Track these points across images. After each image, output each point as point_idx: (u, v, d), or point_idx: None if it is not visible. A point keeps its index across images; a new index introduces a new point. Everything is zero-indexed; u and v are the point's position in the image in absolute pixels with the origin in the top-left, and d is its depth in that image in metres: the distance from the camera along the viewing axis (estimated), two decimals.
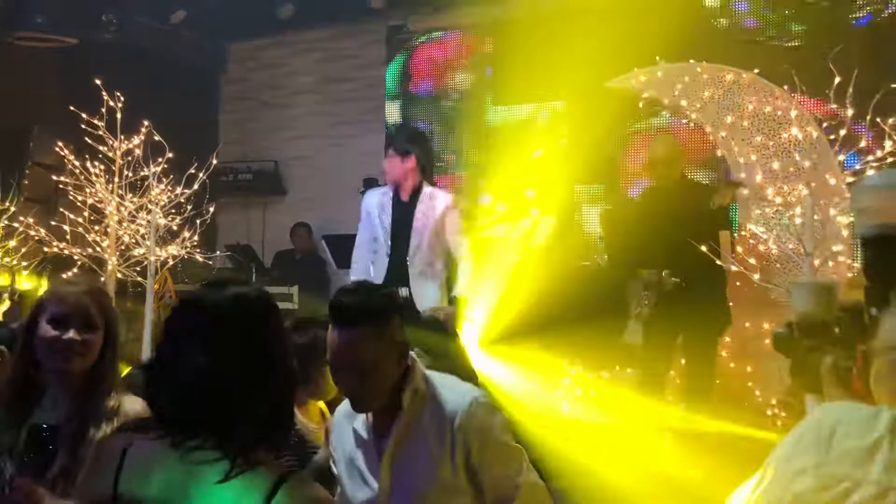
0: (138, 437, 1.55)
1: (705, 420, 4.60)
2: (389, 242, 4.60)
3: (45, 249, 5.38)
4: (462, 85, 7.83)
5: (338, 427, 2.24)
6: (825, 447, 1.25)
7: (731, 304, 5.03)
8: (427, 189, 4.61)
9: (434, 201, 4.53)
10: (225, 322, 1.57)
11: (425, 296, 4.54)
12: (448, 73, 7.91)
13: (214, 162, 5.66)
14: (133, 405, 2.14)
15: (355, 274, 4.78)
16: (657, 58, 5.21)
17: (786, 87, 4.59)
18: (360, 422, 2.14)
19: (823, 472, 1.24)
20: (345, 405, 2.22)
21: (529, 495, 2.03)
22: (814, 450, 1.26)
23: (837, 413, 1.29)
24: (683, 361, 4.75)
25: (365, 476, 2.11)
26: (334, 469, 2.27)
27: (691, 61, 5.10)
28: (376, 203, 4.70)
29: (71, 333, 2.09)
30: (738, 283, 4.89)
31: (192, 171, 5.45)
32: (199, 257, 5.57)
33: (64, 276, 5.34)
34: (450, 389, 2.10)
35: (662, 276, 4.68)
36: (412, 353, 2.13)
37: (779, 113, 4.72)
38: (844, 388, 1.51)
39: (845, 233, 4.35)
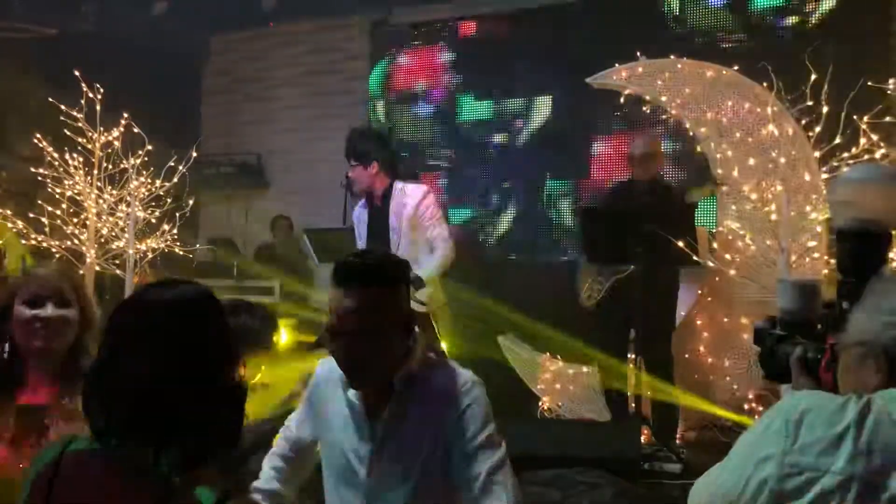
0: (70, 451, 1.45)
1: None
2: (366, 244, 4.60)
3: (24, 242, 5.34)
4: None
5: (325, 387, 2.11)
6: (793, 436, 1.26)
7: (709, 299, 5.07)
8: (398, 185, 4.56)
9: (405, 197, 4.49)
10: (163, 324, 1.46)
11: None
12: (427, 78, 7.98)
13: (194, 155, 5.63)
14: None
15: None
16: (637, 53, 5.22)
17: (765, 84, 4.61)
18: (356, 392, 2.02)
19: (789, 460, 1.25)
20: (332, 366, 2.05)
21: (491, 485, 1.90)
22: (781, 438, 1.27)
23: (807, 402, 1.30)
24: (635, 356, 4.75)
25: (348, 456, 2.03)
26: (305, 434, 2.19)
27: (672, 56, 5.12)
28: (357, 215, 4.74)
29: (48, 311, 2.11)
30: (716, 279, 4.93)
31: (172, 164, 5.43)
32: (178, 250, 5.55)
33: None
34: (449, 372, 2.02)
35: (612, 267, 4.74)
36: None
37: (758, 109, 4.74)
38: (813, 378, 1.52)
39: (819, 229, 4.38)
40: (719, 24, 6.76)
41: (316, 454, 2.22)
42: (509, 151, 7.62)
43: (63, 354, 2.14)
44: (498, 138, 7.72)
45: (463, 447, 1.94)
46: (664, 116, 5.35)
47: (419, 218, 4.45)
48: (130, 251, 5.28)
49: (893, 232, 1.61)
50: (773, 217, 4.21)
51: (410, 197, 4.49)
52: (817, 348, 1.54)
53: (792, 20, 6.45)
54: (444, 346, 5.33)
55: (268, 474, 2.23)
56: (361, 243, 4.69)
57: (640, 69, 5.15)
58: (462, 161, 7.86)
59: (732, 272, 4.46)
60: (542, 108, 7.54)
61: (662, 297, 4.70)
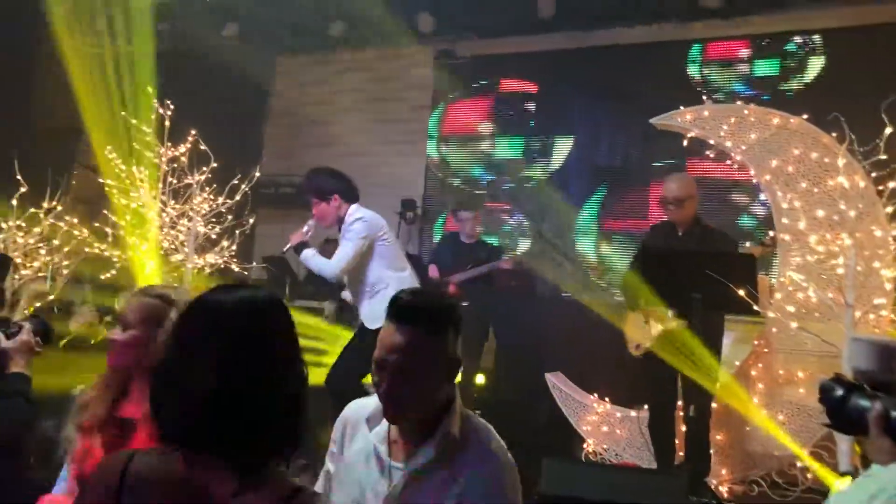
0: (139, 454, 1.46)
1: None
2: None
3: (86, 250, 5.47)
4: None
5: (353, 425, 2.11)
6: None
7: (765, 350, 4.95)
8: (348, 211, 4.69)
9: (349, 217, 4.63)
10: (232, 325, 1.46)
11: (374, 313, 4.50)
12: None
13: (258, 174, 5.74)
14: None
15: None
16: (703, 97, 5.19)
17: (834, 135, 4.53)
18: (379, 436, 2.03)
19: None
20: (361, 405, 2.10)
21: None
22: None
23: None
24: (684, 403, 4.65)
25: (365, 493, 2.01)
26: (329, 466, 2.17)
27: (738, 102, 5.06)
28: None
29: (114, 333, 2.26)
30: (773, 330, 4.82)
31: (235, 182, 5.54)
32: (235, 267, 5.64)
33: (102, 276, 5.47)
34: (485, 443, 1.99)
35: (666, 313, 4.63)
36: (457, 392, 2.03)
37: (825, 160, 4.65)
38: (892, 438, 1.44)
39: (888, 286, 4.26)
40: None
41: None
42: (565, 190, 7.62)
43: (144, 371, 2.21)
44: (555, 176, 7.74)
45: None
46: (728, 162, 5.26)
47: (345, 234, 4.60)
48: (189, 265, 5.38)
49: None
50: (840, 271, 4.10)
51: (350, 216, 4.65)
52: None
53: None
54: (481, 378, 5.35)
55: None
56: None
57: (706, 112, 5.10)
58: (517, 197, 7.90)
59: (794, 325, 4.35)
60: (603, 147, 7.56)
61: (710, 345, 4.59)
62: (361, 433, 2.07)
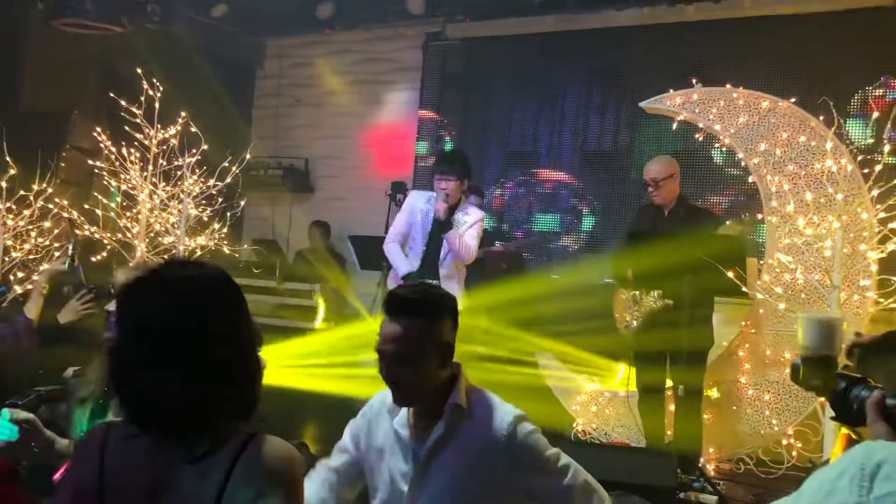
0: (114, 427, 1.57)
1: None
2: (424, 247, 5.02)
3: (77, 232, 5.44)
4: None
5: (375, 416, 2.28)
6: (867, 487, 1.25)
7: (752, 331, 5.02)
8: (463, 205, 5.05)
9: (466, 217, 4.99)
10: (182, 303, 1.51)
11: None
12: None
13: (248, 157, 5.73)
14: None
15: (390, 253, 5.20)
16: (693, 80, 5.22)
17: (821, 118, 4.58)
18: (401, 421, 2.20)
19: None
20: (384, 397, 2.27)
21: (583, 495, 2.12)
22: (855, 488, 1.26)
23: (883, 452, 1.29)
24: (672, 383, 4.72)
25: (394, 476, 2.17)
26: (347, 456, 2.31)
27: (728, 86, 5.10)
28: (421, 208, 5.08)
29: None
30: (760, 311, 4.89)
31: (226, 165, 5.52)
32: (226, 249, 5.64)
33: (93, 259, 5.45)
34: (492, 408, 2.16)
35: (652, 295, 4.68)
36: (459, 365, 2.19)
37: (813, 143, 4.71)
38: (891, 424, 1.48)
39: (874, 267, 4.33)
40: None
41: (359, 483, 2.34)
42: (556, 172, 7.65)
43: None
44: (545, 159, 7.75)
45: (546, 495, 2.12)
46: (717, 145, 5.31)
47: (468, 236, 4.95)
48: (181, 247, 5.37)
49: None
50: (827, 253, 4.16)
51: (471, 218, 5.00)
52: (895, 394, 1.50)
53: None
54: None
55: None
56: (411, 232, 5.08)
57: (696, 96, 5.14)
58: (511, 182, 7.91)
59: (782, 306, 4.41)
60: (594, 130, 7.57)
61: (700, 325, 4.65)
62: (383, 423, 2.25)
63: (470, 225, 4.95)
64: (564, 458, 2.14)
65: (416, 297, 2.14)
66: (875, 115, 4.14)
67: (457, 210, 4.98)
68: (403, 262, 5.08)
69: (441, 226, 4.95)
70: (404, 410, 2.21)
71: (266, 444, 1.50)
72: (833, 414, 1.62)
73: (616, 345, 5.18)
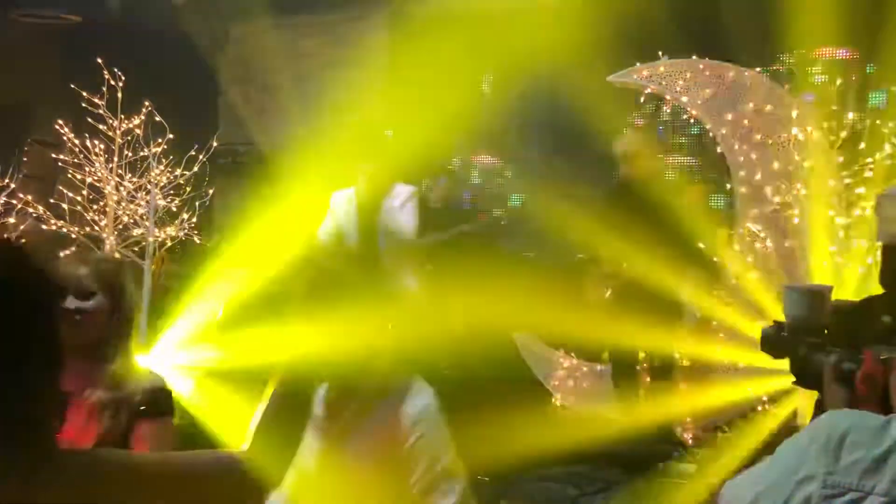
0: None
1: None
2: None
3: (43, 227, 5.37)
4: None
5: None
6: (834, 456, 1.27)
7: (725, 301, 5.07)
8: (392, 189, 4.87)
9: (394, 201, 4.87)
10: None
11: None
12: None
13: (215, 144, 5.67)
14: (144, 378, 2.21)
15: None
16: (659, 53, 5.22)
17: (787, 87, 4.61)
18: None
19: (831, 480, 1.26)
20: None
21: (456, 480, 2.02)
22: (822, 457, 1.28)
23: (848, 421, 1.31)
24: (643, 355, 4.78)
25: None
26: None
27: (694, 57, 5.11)
28: (346, 209, 4.99)
29: (66, 303, 2.09)
30: (733, 281, 4.94)
31: (193, 154, 5.46)
32: (197, 239, 5.58)
33: (62, 254, 5.38)
34: (403, 389, 2.05)
35: (622, 268, 4.72)
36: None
37: (779, 112, 4.74)
38: (847, 387, 1.53)
39: (841, 233, 4.38)
40: None
41: None
42: (526, 150, 7.64)
43: (90, 342, 2.13)
44: (514, 134, 7.73)
45: (420, 478, 1.98)
46: (685, 116, 5.33)
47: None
48: (150, 239, 5.31)
49: None
50: (796, 220, 4.21)
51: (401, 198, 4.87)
52: (853, 358, 1.55)
53: None
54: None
55: None
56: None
57: (662, 68, 5.15)
58: (479, 159, 7.89)
59: (753, 274, 4.46)
60: (555, 105, 7.55)
61: (670, 296, 4.69)
62: None
63: (402, 203, 4.81)
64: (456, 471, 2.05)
65: None
66: (838, 81, 4.17)
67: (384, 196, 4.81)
68: None
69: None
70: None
71: None
72: (794, 379, 1.67)
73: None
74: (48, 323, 1.22)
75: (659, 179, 4.93)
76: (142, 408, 2.13)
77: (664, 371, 4.64)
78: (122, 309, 2.19)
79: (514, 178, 7.75)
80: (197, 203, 5.55)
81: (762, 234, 4.48)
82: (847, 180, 4.28)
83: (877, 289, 1.98)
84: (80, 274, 2.14)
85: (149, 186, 5.39)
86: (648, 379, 4.83)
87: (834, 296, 1.82)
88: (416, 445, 1.99)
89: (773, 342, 1.71)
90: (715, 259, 4.19)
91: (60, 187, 5.43)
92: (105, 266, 2.24)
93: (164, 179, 5.41)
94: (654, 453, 4.22)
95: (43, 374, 1.21)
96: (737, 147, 4.84)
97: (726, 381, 5.05)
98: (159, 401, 2.19)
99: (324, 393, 1.98)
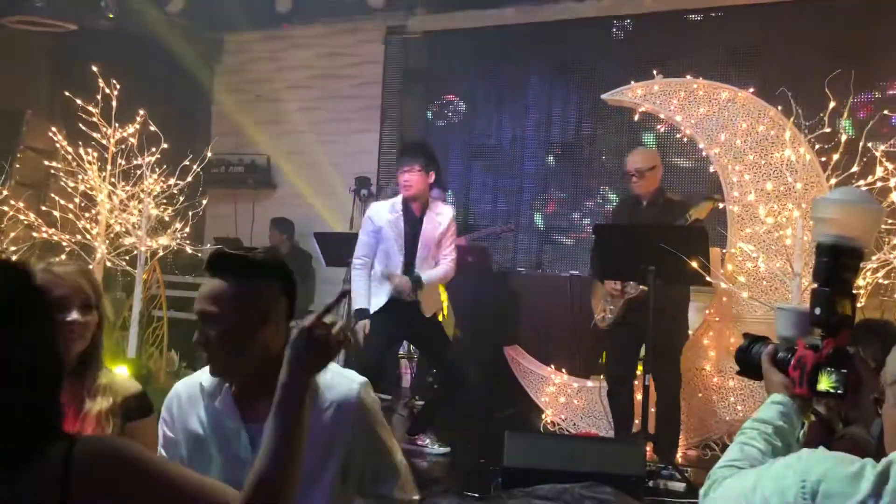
0: None
1: None
2: (403, 256, 4.79)
3: (35, 234, 5.34)
4: None
5: (186, 407, 2.02)
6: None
7: (716, 319, 5.09)
8: (432, 202, 4.87)
9: (440, 216, 4.82)
10: None
11: (430, 298, 4.89)
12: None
13: (209, 154, 5.65)
14: (126, 384, 2.21)
15: (353, 279, 4.94)
16: (654, 71, 5.26)
17: (780, 108, 4.64)
18: (225, 402, 1.95)
19: None
20: (184, 387, 2.04)
21: (406, 474, 2.05)
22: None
23: (818, 469, 1.31)
24: (644, 373, 4.77)
25: (230, 468, 1.89)
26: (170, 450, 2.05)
27: (688, 76, 5.15)
28: (390, 221, 4.81)
29: (74, 315, 2.05)
30: (724, 300, 4.96)
31: (186, 163, 5.44)
32: (188, 249, 5.56)
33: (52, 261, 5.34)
34: (335, 374, 1.99)
35: (627, 286, 4.72)
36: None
37: (772, 132, 4.78)
38: (782, 372, 1.65)
39: None
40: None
41: None
42: (519, 165, 7.66)
43: (78, 354, 2.10)
44: (508, 152, 7.76)
45: (362, 467, 1.99)
46: (678, 135, 5.36)
47: (444, 237, 4.81)
48: (142, 248, 5.29)
49: (865, 250, 1.70)
50: (788, 241, 4.23)
51: (444, 216, 4.83)
52: (787, 348, 1.68)
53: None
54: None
55: None
56: (392, 248, 4.80)
57: (656, 87, 5.18)
58: (474, 175, 7.91)
59: (745, 294, 4.48)
60: (556, 122, 7.59)
61: (673, 315, 4.71)
62: (201, 407, 1.99)
63: (447, 226, 4.81)
64: (391, 434, 2.09)
65: (236, 256, 1.90)
66: (831, 104, 4.20)
67: (427, 209, 4.79)
68: (363, 295, 4.82)
69: (415, 220, 4.77)
70: (225, 392, 1.95)
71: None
72: (739, 369, 1.79)
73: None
74: (51, 338, 1.25)
75: (666, 198, 4.93)
76: (129, 410, 2.16)
77: (668, 390, 4.63)
78: (102, 319, 2.19)
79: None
80: (190, 213, 5.53)
81: (754, 254, 4.50)
82: None
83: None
84: (83, 287, 2.11)
85: (142, 195, 5.37)
86: (640, 396, 4.83)
87: None
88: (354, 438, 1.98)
89: (740, 360, 1.81)
90: (707, 278, 4.20)
91: (53, 195, 5.41)
92: (94, 278, 2.24)
93: (157, 189, 5.39)
94: (644, 471, 4.21)
95: (46, 388, 1.23)
96: (729, 167, 4.87)
97: (717, 399, 5.07)
98: (143, 403, 2.22)
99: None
